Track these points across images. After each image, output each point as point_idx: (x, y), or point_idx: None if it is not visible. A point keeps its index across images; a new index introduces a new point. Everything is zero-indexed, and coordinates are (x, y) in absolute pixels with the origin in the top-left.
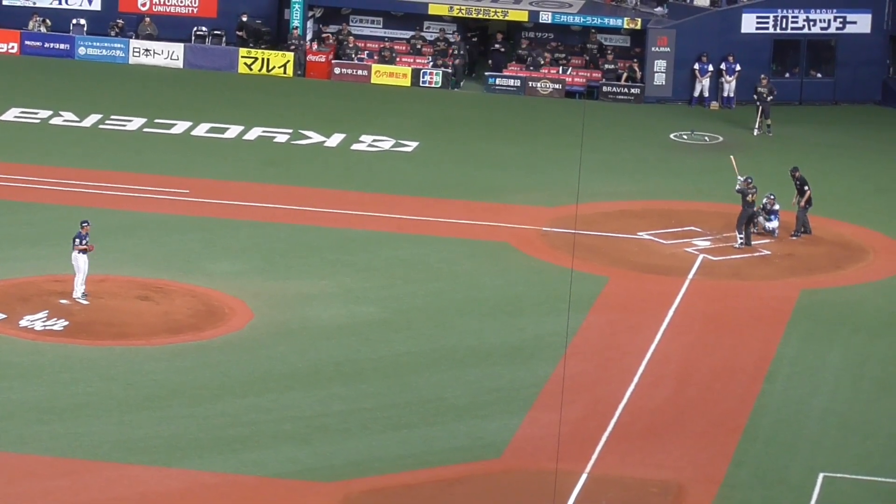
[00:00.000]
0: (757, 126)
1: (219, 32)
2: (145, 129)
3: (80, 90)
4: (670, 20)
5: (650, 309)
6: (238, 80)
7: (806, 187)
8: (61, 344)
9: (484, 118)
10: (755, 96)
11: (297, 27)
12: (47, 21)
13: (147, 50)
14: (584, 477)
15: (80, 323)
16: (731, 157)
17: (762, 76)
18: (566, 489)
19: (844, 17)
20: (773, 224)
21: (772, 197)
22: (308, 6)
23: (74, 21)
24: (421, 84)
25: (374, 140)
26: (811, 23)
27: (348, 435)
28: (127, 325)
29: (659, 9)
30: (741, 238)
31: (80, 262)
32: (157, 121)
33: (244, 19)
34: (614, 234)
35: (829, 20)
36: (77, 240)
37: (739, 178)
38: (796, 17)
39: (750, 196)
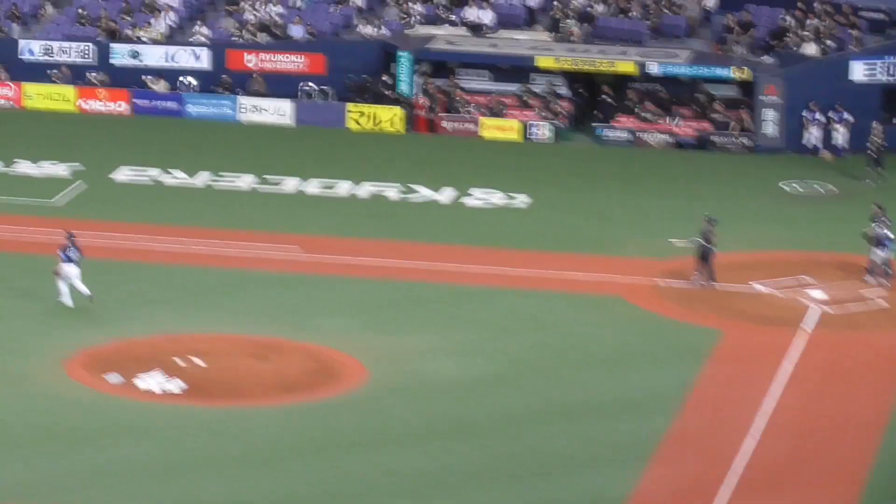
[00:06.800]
0: (873, 177)
1: (325, 88)
2: (255, 186)
3: (190, 148)
4: (778, 69)
5: (766, 360)
6: (346, 135)
7: None
8: (176, 405)
9: (594, 170)
10: (870, 147)
11: (404, 82)
12: (160, 80)
13: (255, 106)
14: None
15: (196, 383)
16: (671, 240)
17: (874, 124)
18: None
19: None
20: (886, 253)
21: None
22: (415, 60)
23: (181, 79)
24: (529, 137)
25: (484, 193)
26: None
27: (465, 490)
28: (242, 385)
29: (766, 57)
30: (699, 277)
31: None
32: (266, 177)
33: (352, 76)
34: (727, 284)
35: None
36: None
37: (689, 242)
38: None
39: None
